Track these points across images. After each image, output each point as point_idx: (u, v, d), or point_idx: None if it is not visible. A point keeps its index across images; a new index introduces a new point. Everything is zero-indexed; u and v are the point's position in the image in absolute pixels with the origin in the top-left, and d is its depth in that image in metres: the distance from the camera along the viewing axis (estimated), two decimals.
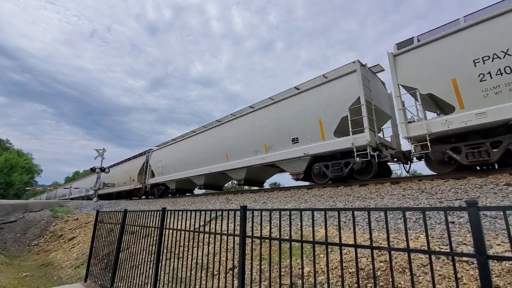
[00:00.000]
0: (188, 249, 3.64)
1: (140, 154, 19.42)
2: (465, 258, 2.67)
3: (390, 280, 2.69)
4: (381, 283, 2.78)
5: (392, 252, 2.26)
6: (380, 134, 8.35)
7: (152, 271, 3.91)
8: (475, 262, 2.07)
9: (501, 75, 5.20)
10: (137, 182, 18.45)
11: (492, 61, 5.31)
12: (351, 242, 2.32)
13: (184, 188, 15.35)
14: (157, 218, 4.09)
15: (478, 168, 6.10)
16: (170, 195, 15.88)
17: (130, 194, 20.97)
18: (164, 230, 3.96)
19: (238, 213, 2.83)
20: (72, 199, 30.72)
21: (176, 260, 3.76)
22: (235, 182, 11.34)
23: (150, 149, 18.13)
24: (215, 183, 13.75)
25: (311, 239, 2.13)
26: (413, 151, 6.61)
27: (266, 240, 2.65)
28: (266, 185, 13.28)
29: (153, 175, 17.18)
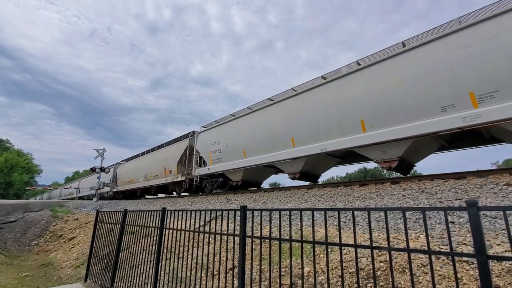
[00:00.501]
0: (188, 249, 3.64)
1: (176, 140, 15.27)
2: (465, 258, 2.66)
3: (390, 280, 2.69)
4: (381, 283, 2.78)
5: (392, 252, 2.26)
6: None
7: (152, 271, 3.92)
8: (475, 262, 2.07)
9: None
10: (177, 174, 13.75)
11: None
12: (351, 242, 2.31)
13: (253, 180, 11.23)
14: (157, 218, 4.10)
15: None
16: (225, 190, 11.78)
17: (163, 189, 16.49)
18: (164, 230, 3.96)
19: (238, 213, 2.83)
20: (80, 197, 29.22)
21: (176, 260, 3.76)
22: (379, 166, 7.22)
23: (193, 131, 13.84)
24: (316, 169, 9.47)
25: (311, 239, 2.13)
26: None
27: (266, 240, 2.65)
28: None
29: (200, 164, 12.80)
